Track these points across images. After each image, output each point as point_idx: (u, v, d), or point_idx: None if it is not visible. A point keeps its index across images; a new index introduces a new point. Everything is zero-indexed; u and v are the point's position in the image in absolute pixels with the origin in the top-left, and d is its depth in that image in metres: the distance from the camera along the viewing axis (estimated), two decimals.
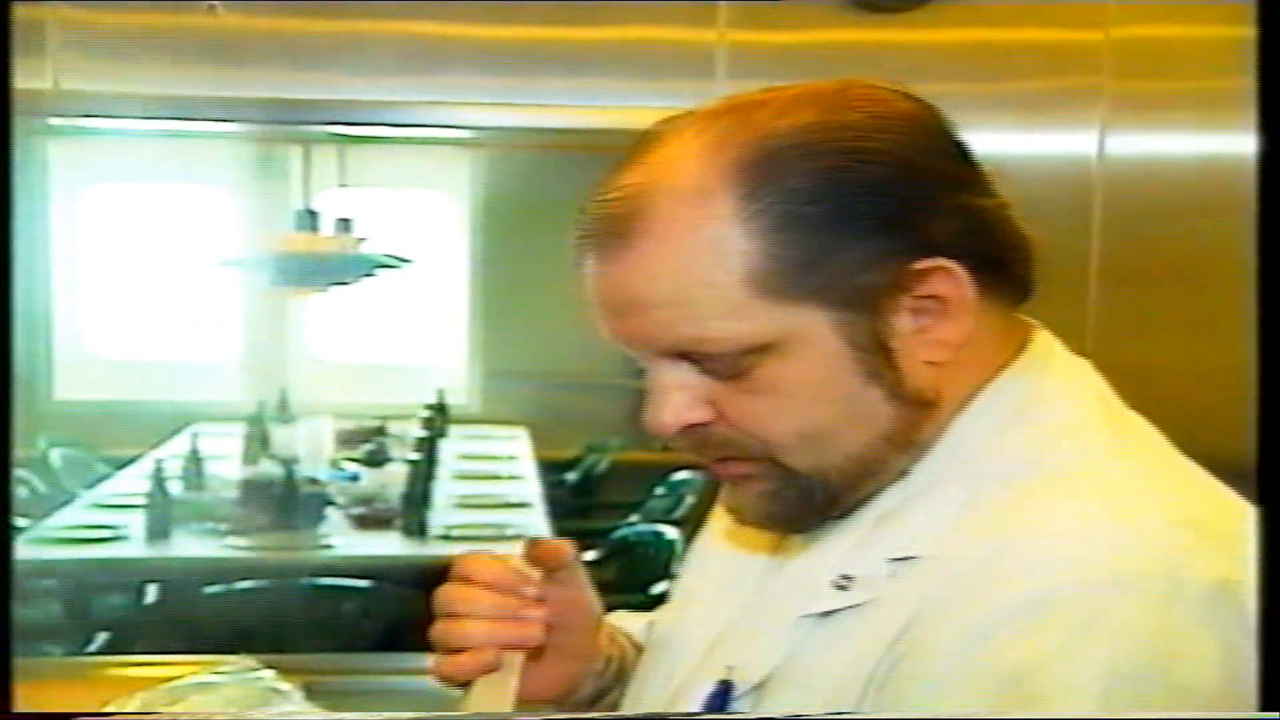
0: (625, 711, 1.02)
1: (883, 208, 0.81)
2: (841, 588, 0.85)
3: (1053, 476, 0.82)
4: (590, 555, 4.12)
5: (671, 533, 3.82)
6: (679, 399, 0.85)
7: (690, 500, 4.34)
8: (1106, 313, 1.64)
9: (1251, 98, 1.71)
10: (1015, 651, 0.75)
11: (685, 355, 0.84)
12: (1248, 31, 1.67)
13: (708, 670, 0.91)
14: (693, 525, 3.89)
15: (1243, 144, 1.70)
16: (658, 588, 3.53)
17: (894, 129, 0.83)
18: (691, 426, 0.86)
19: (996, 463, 0.84)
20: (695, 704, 0.89)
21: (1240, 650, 0.74)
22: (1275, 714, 0.74)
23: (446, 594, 0.96)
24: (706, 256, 0.81)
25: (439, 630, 0.96)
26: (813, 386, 0.83)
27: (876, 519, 0.87)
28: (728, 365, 0.83)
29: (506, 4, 1.81)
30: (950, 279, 0.82)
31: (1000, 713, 0.75)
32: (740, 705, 0.87)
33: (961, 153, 0.86)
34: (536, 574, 0.96)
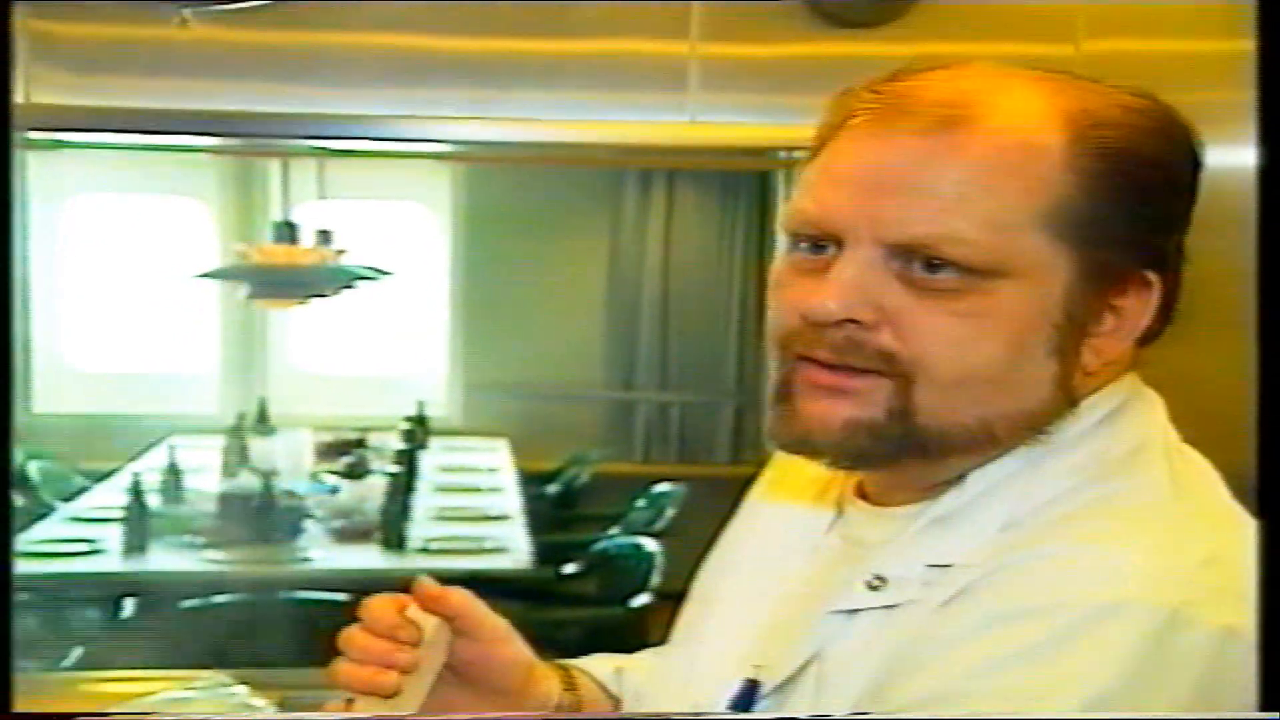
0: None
1: (1161, 207, 0.86)
2: (874, 588, 0.85)
3: (1100, 501, 0.83)
4: (571, 567, 4.12)
5: (652, 545, 3.82)
6: (861, 290, 0.83)
7: (671, 512, 4.34)
8: None
9: (1219, 110, 1.72)
10: (1003, 648, 0.76)
11: (907, 253, 0.83)
12: (1217, 45, 1.69)
13: (734, 669, 0.90)
14: (673, 537, 3.91)
15: (1214, 156, 1.71)
16: (638, 600, 3.53)
17: (1190, 142, 0.87)
18: (853, 320, 0.84)
19: (1049, 482, 0.85)
20: (720, 704, 0.89)
21: (1220, 695, 0.76)
22: (1275, 714, 0.75)
23: (346, 638, 0.96)
24: (1019, 170, 0.82)
25: (338, 673, 0.96)
26: (1015, 329, 0.83)
27: (925, 524, 0.87)
28: (948, 278, 0.82)
29: (482, 17, 1.81)
30: (1146, 297, 0.86)
31: (972, 708, 0.75)
32: (765, 704, 0.87)
33: (1196, 189, 0.89)
34: (430, 621, 0.96)
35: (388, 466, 4.30)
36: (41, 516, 4.09)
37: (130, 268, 5.62)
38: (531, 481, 4.91)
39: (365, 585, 3.55)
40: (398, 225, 5.75)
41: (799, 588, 0.93)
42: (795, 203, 0.87)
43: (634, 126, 1.73)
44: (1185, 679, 0.75)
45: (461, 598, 0.98)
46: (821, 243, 0.86)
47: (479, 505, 4.33)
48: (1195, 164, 0.88)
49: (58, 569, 3.53)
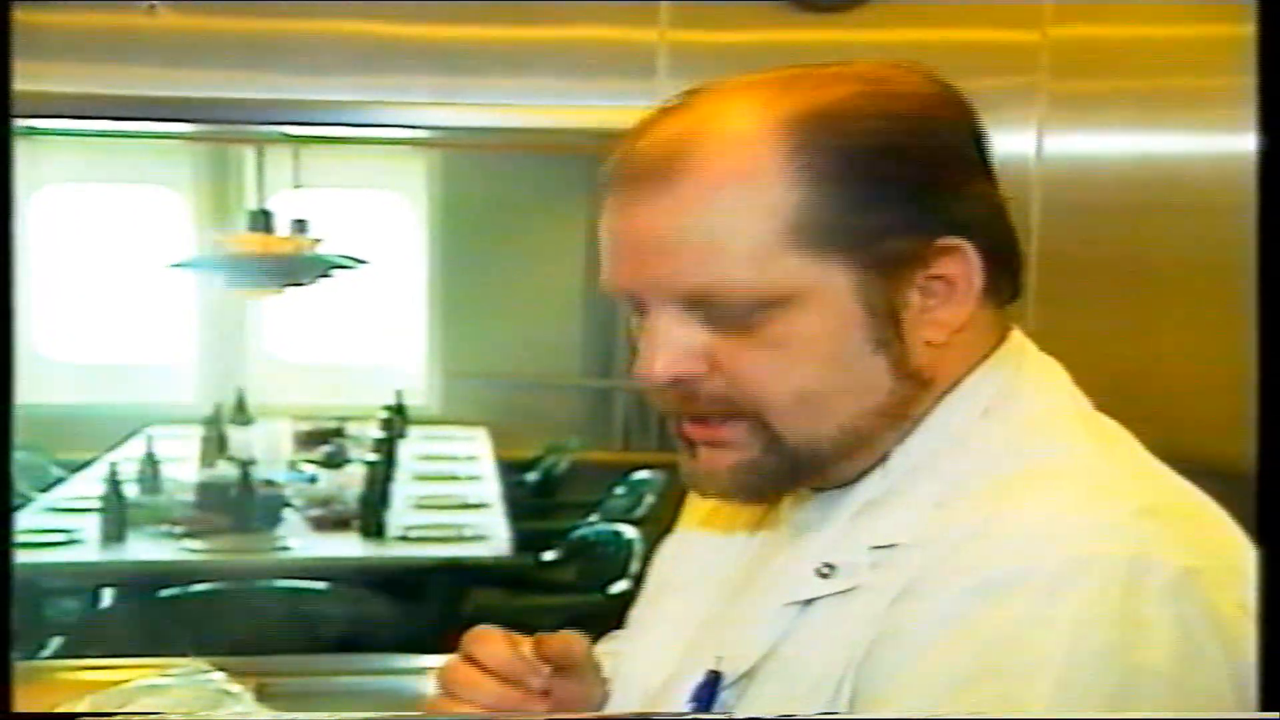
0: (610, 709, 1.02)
1: (919, 179, 0.85)
2: (824, 575, 0.86)
3: (1028, 467, 0.84)
4: (550, 555, 4.13)
5: (631, 532, 3.83)
6: (675, 348, 0.85)
7: (650, 500, 4.35)
8: (1044, 311, 1.66)
9: (1189, 97, 1.74)
10: (983, 627, 0.77)
11: (697, 303, 0.84)
12: (1186, 30, 1.70)
13: (695, 661, 0.91)
14: (652, 524, 3.91)
15: (1181, 143, 1.72)
16: (617, 587, 3.53)
17: (932, 108, 0.87)
18: (681, 379, 0.86)
19: (973, 453, 0.86)
20: (684, 695, 0.89)
21: (1198, 636, 0.76)
22: (1275, 714, 0.76)
23: (452, 672, 0.96)
24: (748, 201, 0.82)
25: (436, 707, 0.96)
26: (822, 346, 0.84)
27: (859, 507, 0.88)
28: (740, 316, 0.83)
29: (455, 4, 1.82)
30: (963, 261, 0.85)
31: (968, 688, 0.76)
32: (728, 695, 0.88)
33: (982, 143, 0.89)
34: (545, 667, 0.95)
35: (366, 455, 4.31)
36: (19, 507, 4.08)
37: (105, 257, 5.60)
38: (511, 469, 4.91)
39: (344, 574, 3.57)
40: (374, 214, 5.74)
41: (747, 576, 0.94)
42: (601, 273, 0.89)
43: (605, 112, 1.73)
44: (1168, 616, 0.76)
45: (583, 647, 0.98)
46: (638, 305, 0.87)
47: (458, 493, 4.33)
48: (961, 123, 0.88)
49: (36, 559, 3.52)
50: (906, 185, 0.84)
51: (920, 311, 0.86)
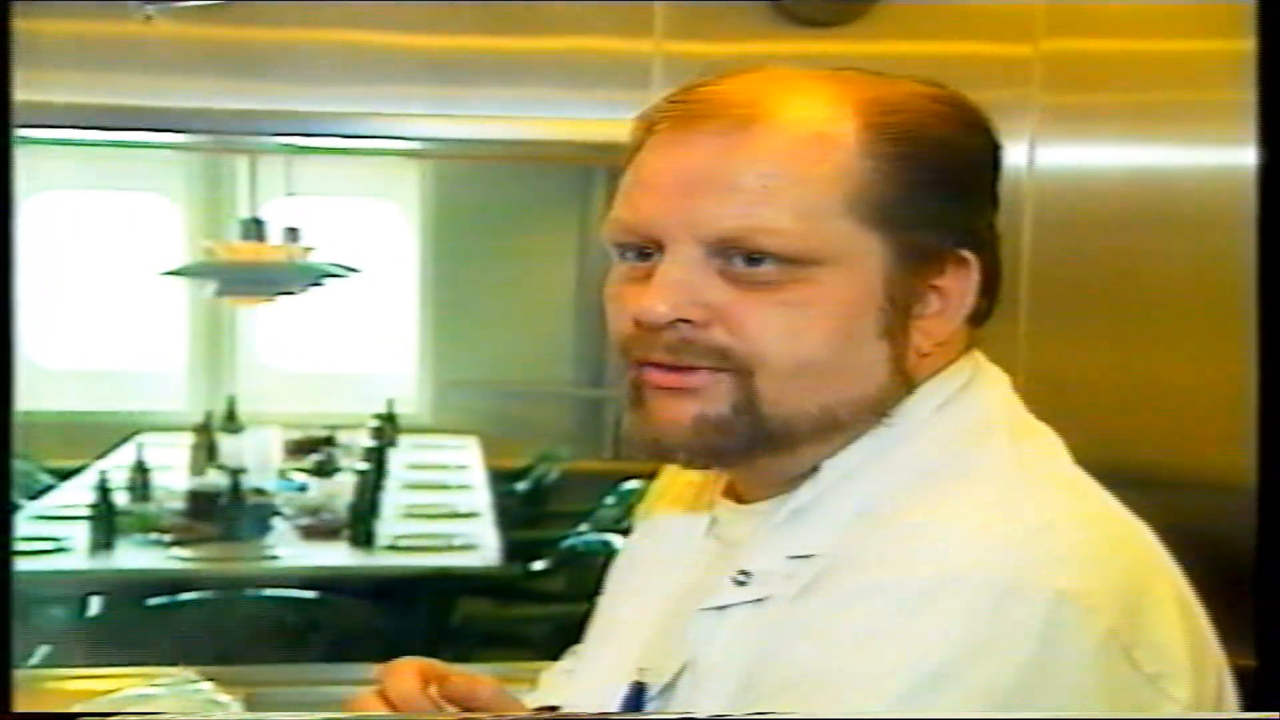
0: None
1: (962, 185, 0.88)
2: (740, 583, 0.87)
3: (942, 481, 0.85)
4: (540, 565, 4.12)
5: (621, 542, 3.82)
6: (685, 290, 0.85)
7: None
8: (1037, 324, 1.66)
9: (1182, 110, 1.74)
10: (842, 633, 0.79)
11: (725, 249, 0.85)
12: (1180, 44, 1.71)
13: (623, 671, 0.92)
14: None
15: (1175, 156, 1.72)
16: None
17: (977, 124, 0.90)
18: (680, 322, 0.86)
19: (899, 465, 0.87)
20: (613, 706, 0.90)
21: (1057, 660, 0.76)
22: (1275, 714, 0.76)
23: (362, 703, 0.96)
24: (819, 158, 0.85)
25: None
26: (839, 316, 0.85)
27: (784, 517, 0.89)
28: (769, 270, 0.84)
29: (448, 14, 1.82)
30: (966, 276, 0.88)
31: (815, 691, 0.77)
32: (653, 706, 0.88)
33: (999, 170, 0.92)
34: (449, 708, 0.95)
35: (357, 464, 4.30)
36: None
37: (97, 265, 5.58)
38: (501, 479, 4.90)
39: (333, 583, 3.56)
40: (366, 223, 5.74)
41: (680, 591, 0.95)
42: (613, 213, 0.89)
43: (599, 124, 1.73)
44: (1022, 646, 0.76)
45: (491, 694, 0.97)
46: (645, 249, 0.88)
47: (448, 502, 4.32)
48: (992, 146, 0.91)
49: (24, 567, 3.50)
50: (955, 187, 0.87)
51: (917, 318, 0.88)
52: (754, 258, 0.84)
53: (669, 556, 0.99)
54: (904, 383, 0.88)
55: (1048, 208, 1.74)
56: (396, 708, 0.94)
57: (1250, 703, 0.84)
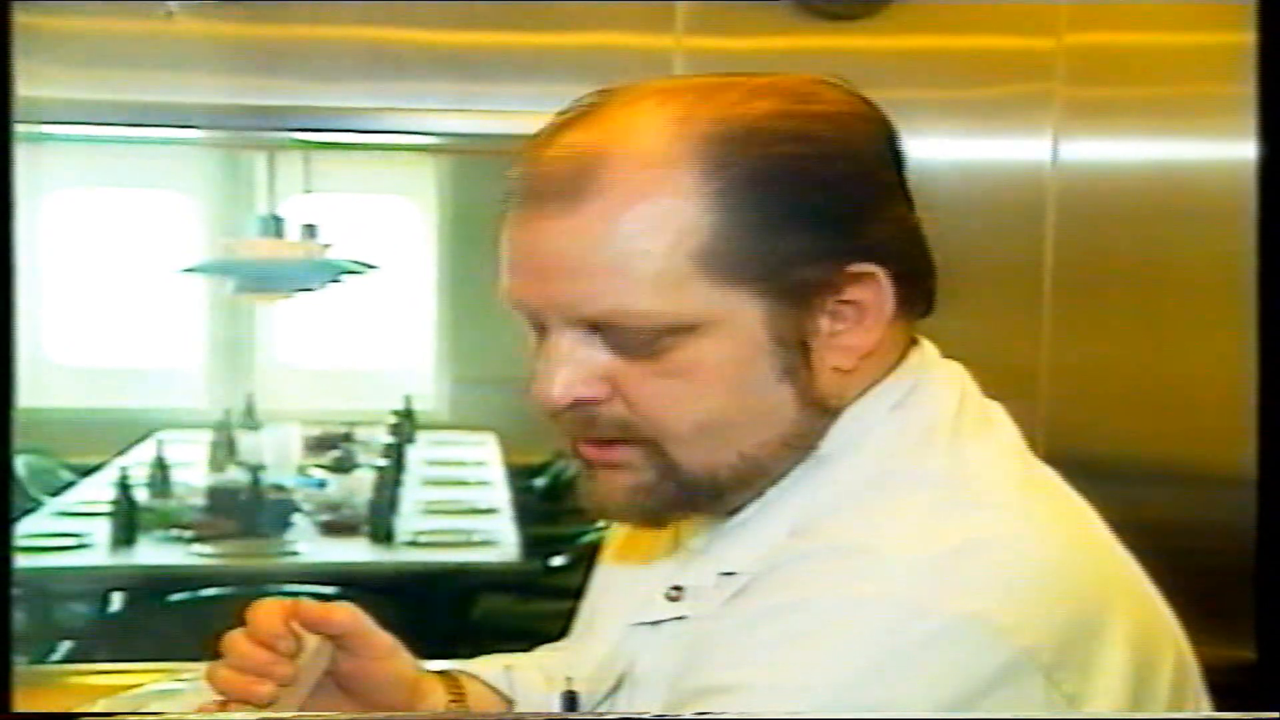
0: None
1: (833, 205, 0.81)
2: (672, 599, 0.87)
3: (870, 498, 0.82)
4: (559, 560, 4.12)
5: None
6: (574, 372, 0.83)
7: None
8: (1060, 318, 1.66)
9: (1204, 104, 1.73)
10: (763, 643, 0.77)
11: (599, 327, 0.82)
12: (1203, 37, 1.70)
13: (562, 683, 0.92)
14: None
15: (1197, 149, 1.72)
16: None
17: (852, 130, 0.84)
18: (580, 402, 0.84)
19: (837, 481, 0.84)
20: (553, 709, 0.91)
21: (965, 683, 0.74)
22: (1275, 714, 0.75)
23: (232, 643, 0.94)
24: (657, 226, 0.79)
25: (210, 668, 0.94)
26: (727, 375, 0.82)
27: (723, 533, 0.88)
28: (644, 343, 0.81)
29: (468, 10, 1.82)
30: (875, 287, 0.83)
31: (715, 700, 0.76)
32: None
33: (901, 164, 0.87)
34: (313, 638, 0.95)
35: (375, 460, 4.30)
36: (29, 512, 4.08)
37: (116, 262, 5.60)
38: (519, 475, 4.90)
39: (353, 578, 3.57)
40: (384, 219, 5.74)
41: (636, 601, 0.94)
42: (501, 285, 0.87)
43: None
44: (924, 668, 0.74)
45: (345, 616, 0.96)
46: (535, 323, 0.86)
47: (467, 499, 4.33)
48: (877, 140, 0.85)
49: (45, 564, 3.52)
50: (821, 211, 0.81)
51: (829, 337, 0.83)
52: (629, 332, 0.82)
53: (643, 567, 0.97)
54: (820, 411, 0.84)
55: (1071, 201, 1.73)
56: (263, 644, 0.93)
57: (1250, 702, 0.83)
